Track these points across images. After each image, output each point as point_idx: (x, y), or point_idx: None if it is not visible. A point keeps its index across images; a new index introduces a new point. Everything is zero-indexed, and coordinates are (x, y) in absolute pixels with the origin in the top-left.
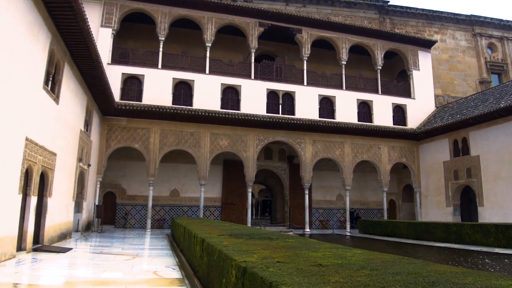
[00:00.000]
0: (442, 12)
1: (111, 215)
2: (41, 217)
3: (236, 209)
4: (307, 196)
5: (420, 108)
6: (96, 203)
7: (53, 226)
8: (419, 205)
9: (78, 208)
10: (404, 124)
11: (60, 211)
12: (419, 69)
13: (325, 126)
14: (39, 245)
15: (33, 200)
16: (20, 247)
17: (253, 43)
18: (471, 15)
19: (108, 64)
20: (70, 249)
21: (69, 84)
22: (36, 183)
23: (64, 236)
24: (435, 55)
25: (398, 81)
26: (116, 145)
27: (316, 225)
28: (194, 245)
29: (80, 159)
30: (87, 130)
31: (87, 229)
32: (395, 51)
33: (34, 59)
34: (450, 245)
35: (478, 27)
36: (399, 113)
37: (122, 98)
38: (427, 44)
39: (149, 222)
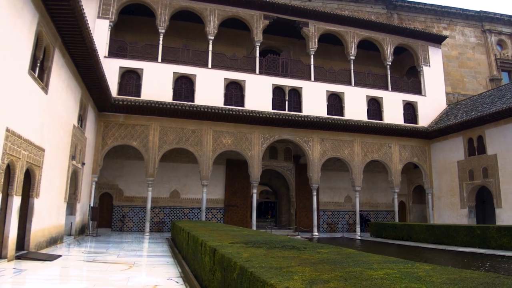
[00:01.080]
0: (451, 8)
1: (107, 217)
2: (27, 220)
3: (239, 211)
4: (315, 198)
5: (431, 105)
6: (91, 205)
7: (41, 230)
8: (431, 207)
9: (71, 210)
10: (415, 122)
11: (50, 213)
12: (429, 65)
13: (334, 124)
14: (24, 251)
15: (16, 201)
16: (0, 255)
17: (258, 36)
18: (480, 11)
19: (105, 57)
20: (59, 256)
21: (60, 74)
22: (19, 181)
23: (54, 241)
24: (444, 51)
25: (408, 78)
26: (113, 143)
27: (324, 228)
28: (201, 254)
29: (73, 157)
30: (81, 126)
31: (81, 233)
32: (405, 47)
33: (17, 39)
34: (475, 250)
35: (487, 23)
36: (410, 110)
37: (119, 93)
38: (437, 40)
39: (147, 225)
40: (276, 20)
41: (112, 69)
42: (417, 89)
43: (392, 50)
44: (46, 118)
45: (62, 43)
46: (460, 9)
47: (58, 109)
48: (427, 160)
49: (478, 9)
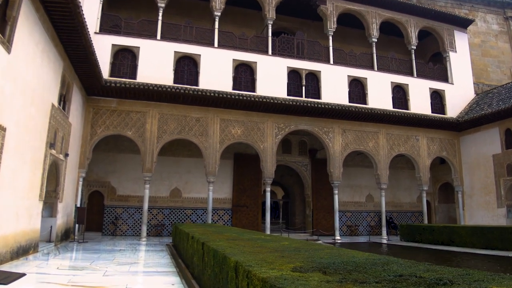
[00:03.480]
0: None
1: (97, 219)
2: None
3: (249, 213)
4: (336, 197)
5: (459, 94)
6: (78, 205)
7: (2, 238)
8: (462, 207)
9: (50, 211)
10: (443, 112)
11: (16, 215)
12: (456, 51)
13: (358, 112)
14: None
15: None
16: None
17: (270, 14)
18: None
19: (96, 33)
20: (22, 275)
21: (33, 33)
22: None
23: (24, 250)
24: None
25: (434, 64)
26: (103, 133)
27: (343, 231)
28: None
29: (51, 145)
30: (64, 109)
31: (64, 238)
32: (429, 30)
33: None
34: None
35: (510, 10)
36: (437, 99)
37: (112, 74)
38: (463, 23)
39: (144, 228)
40: None
41: (103, 47)
42: (443, 77)
43: (416, 33)
44: (7, 84)
45: None
46: None
47: (28, 77)
48: (456, 155)
49: None
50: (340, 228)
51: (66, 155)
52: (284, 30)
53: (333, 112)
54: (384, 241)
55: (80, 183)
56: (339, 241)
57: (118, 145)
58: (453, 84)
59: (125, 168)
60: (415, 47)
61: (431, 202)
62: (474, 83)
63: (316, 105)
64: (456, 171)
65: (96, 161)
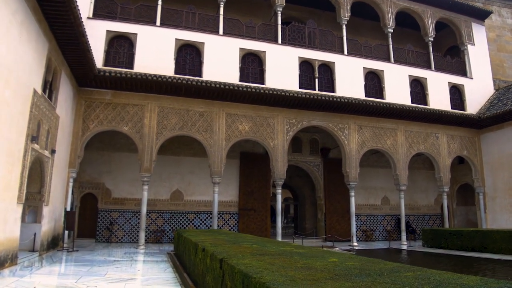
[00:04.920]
0: None
1: (90, 225)
2: None
3: (257, 217)
4: (353, 200)
5: (478, 89)
6: (67, 209)
7: None
8: (484, 209)
9: (34, 215)
10: (462, 108)
11: None
12: (474, 44)
13: (376, 107)
14: None
15: None
16: None
17: (280, 0)
18: None
19: (89, 18)
20: None
21: (7, 1)
22: None
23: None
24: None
25: (452, 58)
26: (97, 128)
27: (358, 236)
28: None
29: (33, 138)
30: (50, 99)
31: (52, 247)
32: (446, 21)
33: None
34: None
35: None
36: (456, 95)
37: (106, 64)
38: (481, 15)
39: (142, 235)
40: None
41: (97, 34)
42: (462, 71)
43: (433, 24)
44: None
45: None
46: None
47: (0, 51)
48: (477, 153)
49: None
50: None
51: (53, 151)
52: (292, 20)
53: (350, 107)
54: (405, 247)
55: (71, 184)
56: (356, 248)
57: (113, 143)
58: (472, 78)
59: (121, 168)
60: (432, 39)
61: (449, 205)
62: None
63: (331, 99)
64: (477, 171)
65: (89, 160)
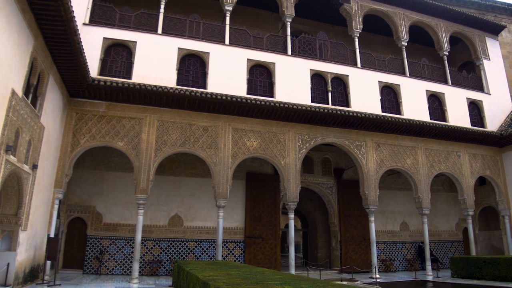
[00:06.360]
0: (495, 2)
1: (78, 253)
2: None
3: (265, 246)
4: (372, 225)
5: (496, 105)
6: (51, 235)
7: None
8: (510, 234)
9: (8, 242)
10: (482, 125)
11: None
12: (489, 59)
13: (394, 123)
14: None
15: None
16: None
17: (289, 10)
18: None
19: (85, 24)
20: None
21: None
22: None
23: None
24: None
25: (469, 73)
26: (88, 143)
27: (377, 267)
28: None
29: (9, 148)
30: (34, 105)
31: (30, 279)
32: (459, 36)
33: None
34: None
35: None
36: (474, 111)
37: (101, 73)
38: (494, 29)
39: (136, 266)
40: None
41: (93, 41)
42: (478, 86)
43: (448, 38)
44: None
45: None
46: (505, 3)
47: None
48: (500, 173)
49: None
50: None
51: (35, 166)
52: (300, 34)
53: (367, 123)
54: (430, 278)
55: (56, 206)
56: (379, 280)
57: (106, 161)
58: (490, 94)
59: (114, 189)
60: (447, 53)
61: (470, 230)
62: None
63: (347, 113)
64: (501, 192)
65: (79, 180)
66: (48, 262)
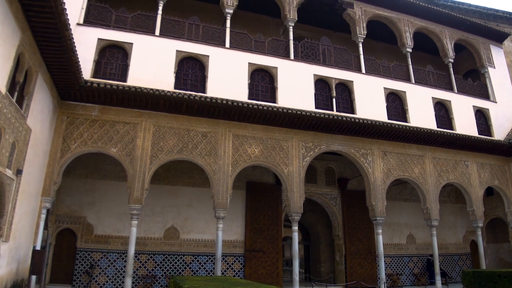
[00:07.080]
0: (497, 11)
1: (67, 267)
2: None
3: (267, 260)
4: (380, 238)
5: (503, 114)
6: (36, 247)
7: None
8: None
9: None
10: (489, 134)
11: None
12: (494, 67)
13: (402, 131)
14: None
15: None
16: None
17: (291, 14)
18: None
19: (79, 24)
20: None
21: None
22: None
23: None
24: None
25: (474, 81)
26: (79, 149)
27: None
28: None
29: None
30: (20, 105)
31: None
32: (464, 43)
33: None
34: None
35: None
36: (481, 119)
37: (95, 75)
38: (498, 37)
39: (129, 281)
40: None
41: (87, 42)
42: (484, 94)
43: (452, 45)
44: None
45: None
46: (507, 12)
47: None
48: (509, 184)
49: None
50: (379, 278)
51: (19, 172)
52: (302, 40)
53: (373, 130)
54: None
55: (43, 216)
56: None
57: (99, 169)
58: (496, 102)
59: (106, 199)
60: (452, 60)
61: (478, 242)
62: None
63: (353, 120)
64: (510, 203)
65: (69, 189)
66: (34, 277)
